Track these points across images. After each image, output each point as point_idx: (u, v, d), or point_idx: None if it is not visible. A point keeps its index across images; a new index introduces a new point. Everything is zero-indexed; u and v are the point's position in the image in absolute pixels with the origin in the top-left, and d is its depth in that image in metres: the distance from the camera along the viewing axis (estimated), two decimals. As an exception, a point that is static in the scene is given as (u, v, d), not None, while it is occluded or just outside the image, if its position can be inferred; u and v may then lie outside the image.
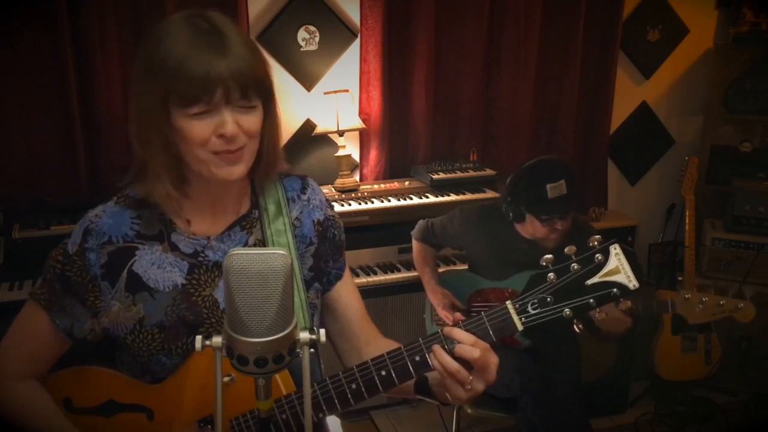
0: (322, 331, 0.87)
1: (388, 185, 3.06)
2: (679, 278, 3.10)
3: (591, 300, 1.09)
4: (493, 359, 1.10)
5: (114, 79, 2.70)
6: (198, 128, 1.04)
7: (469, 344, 1.09)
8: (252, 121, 1.08)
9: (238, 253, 0.78)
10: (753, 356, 3.24)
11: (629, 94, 3.61)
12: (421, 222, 2.62)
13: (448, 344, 1.10)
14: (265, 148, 1.14)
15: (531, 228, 2.31)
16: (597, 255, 1.09)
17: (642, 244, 3.67)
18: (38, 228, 2.49)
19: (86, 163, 2.73)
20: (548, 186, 2.19)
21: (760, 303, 2.26)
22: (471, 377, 1.09)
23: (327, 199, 1.32)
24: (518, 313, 1.11)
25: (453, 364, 1.08)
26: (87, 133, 2.72)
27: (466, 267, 2.67)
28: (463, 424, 2.90)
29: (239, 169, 1.10)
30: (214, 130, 1.05)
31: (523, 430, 2.26)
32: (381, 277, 2.86)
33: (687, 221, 2.98)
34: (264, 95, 1.10)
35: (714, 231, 3.37)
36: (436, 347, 1.10)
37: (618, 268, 1.09)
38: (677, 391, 3.19)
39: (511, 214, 2.32)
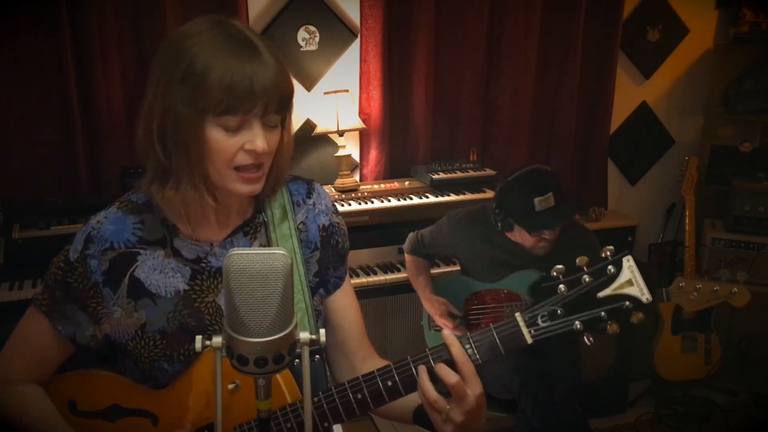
0: (322, 331, 0.87)
1: (388, 185, 3.05)
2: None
3: (602, 313, 1.06)
4: (473, 389, 1.04)
5: (114, 79, 2.70)
6: (228, 142, 1.04)
7: (458, 362, 1.05)
8: (275, 138, 1.09)
9: (238, 253, 0.77)
10: (753, 356, 3.24)
11: (629, 94, 3.61)
12: (410, 235, 2.63)
13: (444, 356, 1.07)
14: (278, 165, 1.14)
15: (519, 237, 2.32)
16: (609, 267, 1.06)
17: (642, 244, 3.67)
18: (38, 228, 2.48)
19: (86, 163, 2.73)
20: (536, 200, 2.19)
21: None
22: (448, 407, 1.04)
23: (334, 205, 1.30)
24: (527, 326, 1.08)
25: (431, 393, 1.05)
26: (87, 133, 2.72)
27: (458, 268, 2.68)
28: (463, 424, 2.90)
29: (259, 187, 1.11)
30: (241, 145, 1.05)
31: (524, 430, 2.26)
32: (381, 277, 2.86)
33: (687, 221, 2.98)
34: (288, 111, 1.11)
35: (714, 231, 3.37)
36: (421, 369, 1.07)
37: (631, 280, 1.05)
38: (677, 391, 3.19)
39: (499, 224, 2.32)
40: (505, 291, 2.37)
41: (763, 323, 3.17)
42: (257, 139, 1.04)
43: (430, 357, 1.08)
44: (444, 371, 1.04)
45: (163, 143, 1.06)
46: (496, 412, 2.40)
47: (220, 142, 1.04)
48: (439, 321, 2.47)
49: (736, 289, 2.23)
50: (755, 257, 3.23)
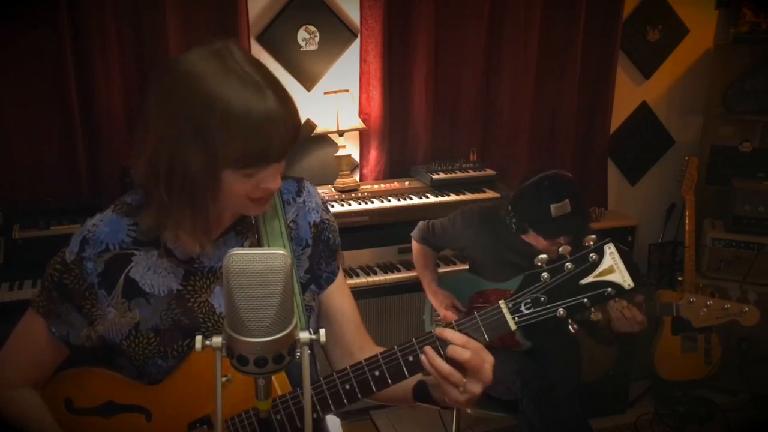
0: (322, 332, 0.87)
1: (388, 185, 3.05)
2: (679, 278, 3.10)
3: (585, 299, 1.08)
4: (488, 359, 1.07)
5: (114, 79, 2.70)
6: (245, 185, 1.07)
7: (460, 345, 1.07)
8: (283, 166, 1.11)
9: (238, 253, 0.78)
10: (753, 356, 3.24)
11: (629, 94, 3.61)
12: (421, 223, 2.61)
13: (441, 345, 1.09)
14: None
15: (534, 240, 2.28)
16: (591, 254, 1.07)
17: (642, 244, 3.67)
18: (38, 228, 2.48)
19: (86, 163, 2.73)
20: (552, 206, 2.13)
21: (762, 304, 2.26)
22: (465, 380, 1.07)
23: (324, 202, 1.33)
24: (511, 313, 1.10)
25: (445, 367, 1.06)
26: (87, 133, 2.72)
27: (466, 267, 2.67)
28: (463, 424, 2.90)
29: (268, 204, 1.16)
30: (257, 185, 1.07)
31: (525, 431, 2.26)
32: (381, 277, 2.86)
33: (687, 221, 2.98)
34: None
35: (714, 231, 3.37)
36: (428, 349, 1.08)
37: (612, 267, 1.07)
38: (677, 391, 3.18)
39: (514, 227, 2.30)
40: (511, 292, 2.36)
41: (763, 323, 3.17)
42: (273, 180, 1.08)
43: (416, 347, 1.10)
44: (456, 351, 1.06)
45: (168, 188, 1.07)
46: (498, 413, 2.40)
47: (239, 187, 1.07)
48: (443, 313, 2.47)
49: (746, 309, 2.23)
50: (755, 257, 3.23)
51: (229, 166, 1.03)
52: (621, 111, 3.59)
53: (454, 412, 2.60)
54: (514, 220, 2.29)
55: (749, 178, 3.39)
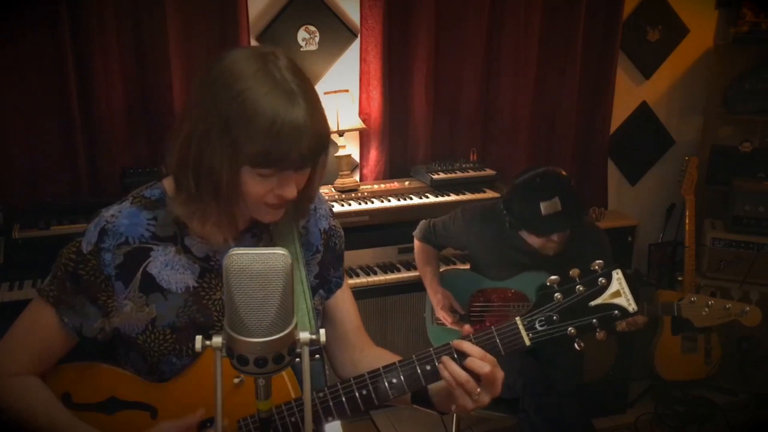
0: (323, 331, 0.88)
1: (388, 185, 3.05)
2: (679, 278, 3.10)
3: (594, 320, 1.15)
4: (500, 374, 1.14)
5: (114, 79, 2.70)
6: (260, 186, 1.07)
7: (478, 358, 1.12)
8: (303, 179, 1.12)
9: (238, 253, 0.78)
10: (753, 356, 3.24)
11: (629, 94, 3.60)
12: (422, 222, 2.62)
13: (458, 356, 1.14)
14: (307, 194, 1.17)
15: (528, 236, 2.30)
16: (600, 278, 1.15)
17: (642, 244, 3.67)
18: (38, 228, 2.48)
19: (86, 163, 2.73)
20: (542, 204, 2.15)
21: (764, 304, 2.26)
22: (478, 389, 1.12)
23: (330, 208, 1.37)
24: (526, 329, 1.16)
25: (462, 375, 1.11)
26: (87, 133, 2.72)
27: (466, 267, 2.67)
28: (463, 424, 2.90)
29: (282, 213, 1.15)
30: (272, 189, 1.08)
31: (526, 430, 2.26)
32: (381, 277, 2.86)
33: (687, 221, 2.98)
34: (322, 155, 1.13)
35: (714, 231, 3.37)
36: (445, 358, 1.13)
37: (619, 291, 1.15)
38: (677, 391, 3.19)
39: (508, 225, 2.31)
40: (513, 291, 2.36)
41: (763, 323, 3.17)
42: (288, 188, 1.09)
43: (434, 356, 1.15)
44: (476, 363, 1.12)
45: (195, 178, 1.08)
46: (498, 413, 2.40)
47: (254, 187, 1.07)
48: (440, 314, 2.47)
49: (748, 308, 2.24)
50: (755, 257, 3.23)
51: (247, 163, 1.04)
52: (621, 111, 3.59)
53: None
54: (507, 219, 2.29)
55: (749, 178, 3.39)
